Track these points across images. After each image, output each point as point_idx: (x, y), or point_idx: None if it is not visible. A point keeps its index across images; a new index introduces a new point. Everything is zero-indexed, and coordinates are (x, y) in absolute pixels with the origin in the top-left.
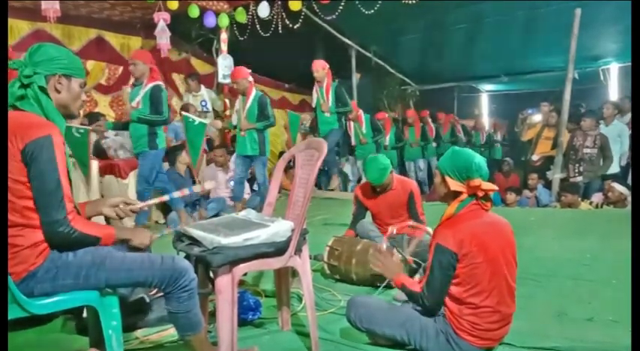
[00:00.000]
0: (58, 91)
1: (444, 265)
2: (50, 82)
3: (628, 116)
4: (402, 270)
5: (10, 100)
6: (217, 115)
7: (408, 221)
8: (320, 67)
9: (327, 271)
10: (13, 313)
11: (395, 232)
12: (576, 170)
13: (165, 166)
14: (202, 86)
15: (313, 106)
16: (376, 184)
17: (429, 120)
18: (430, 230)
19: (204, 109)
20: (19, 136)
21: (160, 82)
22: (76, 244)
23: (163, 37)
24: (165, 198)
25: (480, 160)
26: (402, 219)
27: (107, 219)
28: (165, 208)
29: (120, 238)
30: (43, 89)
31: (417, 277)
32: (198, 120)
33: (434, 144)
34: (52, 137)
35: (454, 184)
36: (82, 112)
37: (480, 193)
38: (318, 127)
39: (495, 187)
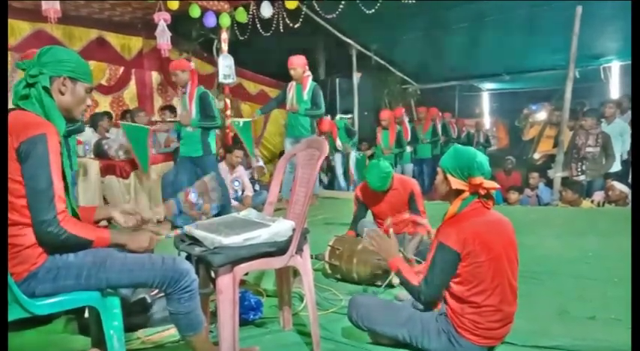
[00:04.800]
0: (62, 93)
1: (445, 263)
2: (55, 84)
3: (627, 114)
4: (397, 252)
5: (14, 99)
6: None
7: (406, 214)
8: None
9: (328, 271)
10: (15, 313)
11: (391, 223)
12: (579, 169)
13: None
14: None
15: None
16: (378, 191)
17: (405, 120)
18: (428, 225)
19: None
20: (14, 135)
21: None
22: (66, 245)
23: (164, 38)
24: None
25: (481, 158)
26: (403, 218)
27: (109, 221)
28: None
29: (115, 242)
30: (46, 89)
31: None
32: None
33: (409, 148)
34: (46, 136)
35: (456, 183)
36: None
37: (482, 192)
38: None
39: (497, 186)
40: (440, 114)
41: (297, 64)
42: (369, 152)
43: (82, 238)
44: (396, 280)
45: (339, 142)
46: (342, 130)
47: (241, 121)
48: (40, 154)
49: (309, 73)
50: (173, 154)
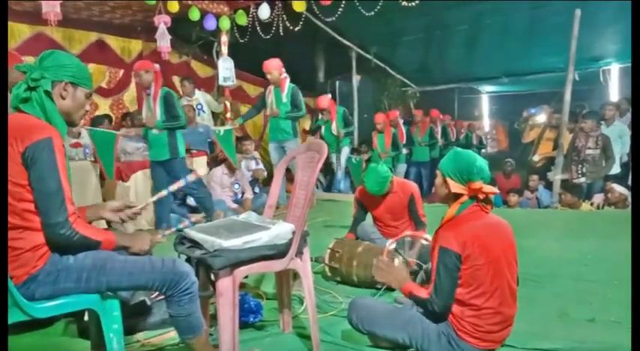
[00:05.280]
0: (63, 98)
1: (449, 267)
2: (56, 88)
3: (627, 117)
4: (408, 277)
5: (14, 102)
6: (217, 117)
7: (406, 231)
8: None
9: (328, 274)
10: (15, 316)
11: (392, 247)
12: (579, 171)
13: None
14: (197, 90)
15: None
16: (376, 195)
17: (400, 122)
18: (429, 237)
19: (200, 113)
20: (19, 138)
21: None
22: (77, 247)
23: (164, 40)
24: (164, 193)
25: (481, 162)
26: (403, 221)
27: (108, 223)
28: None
29: (120, 244)
30: (48, 93)
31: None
32: None
33: (404, 150)
34: (52, 140)
35: (455, 186)
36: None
37: (481, 196)
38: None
39: (496, 191)
40: (441, 116)
41: (273, 67)
42: (365, 156)
43: (92, 239)
44: None
45: (334, 125)
46: (340, 116)
47: (222, 129)
48: (49, 158)
49: (285, 75)
50: None
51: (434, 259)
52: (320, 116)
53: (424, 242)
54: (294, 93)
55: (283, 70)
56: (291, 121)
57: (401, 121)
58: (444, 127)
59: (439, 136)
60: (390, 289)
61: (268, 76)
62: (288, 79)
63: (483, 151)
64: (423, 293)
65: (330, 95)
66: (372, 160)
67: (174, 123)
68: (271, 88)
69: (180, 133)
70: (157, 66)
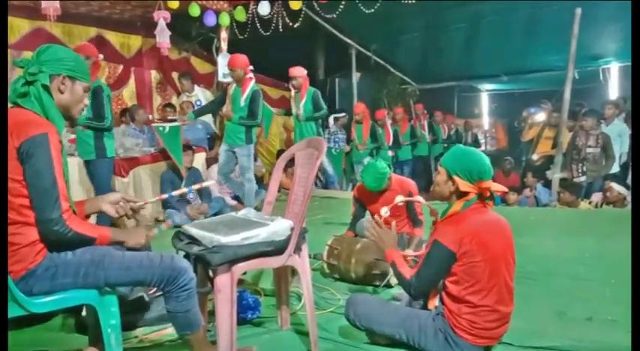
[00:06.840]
0: (61, 92)
1: (438, 261)
2: (54, 82)
3: (622, 116)
4: (396, 244)
5: (12, 96)
6: (215, 114)
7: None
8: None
9: (326, 270)
10: (12, 311)
11: (388, 213)
12: (579, 170)
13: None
14: (196, 86)
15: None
16: (374, 191)
17: (387, 122)
18: (422, 200)
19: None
20: (15, 134)
21: None
22: (71, 243)
23: (163, 36)
24: (164, 196)
25: (488, 160)
26: (401, 218)
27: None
28: (164, 205)
29: (115, 239)
30: (45, 87)
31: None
32: None
33: (390, 153)
34: (48, 136)
35: (464, 185)
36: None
37: (487, 194)
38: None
39: (505, 189)
40: (425, 112)
41: (238, 64)
42: (347, 148)
43: (86, 236)
44: (394, 280)
45: (302, 105)
46: (309, 95)
47: (167, 125)
48: (44, 154)
49: (251, 75)
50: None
51: (426, 247)
52: (291, 88)
53: (423, 238)
54: (254, 99)
55: (250, 68)
56: (245, 127)
57: (389, 122)
58: (430, 123)
59: (426, 132)
60: (389, 286)
61: (231, 73)
62: (252, 81)
63: (481, 149)
64: (406, 272)
65: (305, 71)
66: (353, 152)
67: (98, 123)
68: (233, 86)
69: (111, 133)
70: (100, 56)
